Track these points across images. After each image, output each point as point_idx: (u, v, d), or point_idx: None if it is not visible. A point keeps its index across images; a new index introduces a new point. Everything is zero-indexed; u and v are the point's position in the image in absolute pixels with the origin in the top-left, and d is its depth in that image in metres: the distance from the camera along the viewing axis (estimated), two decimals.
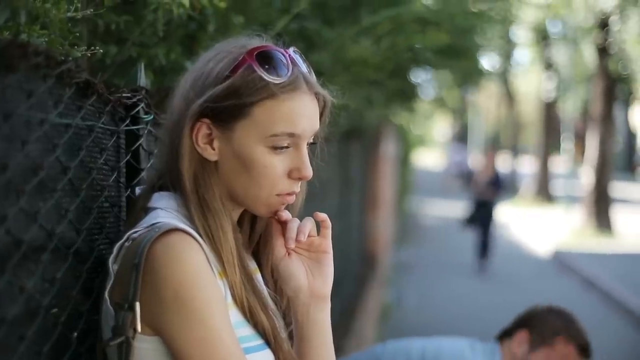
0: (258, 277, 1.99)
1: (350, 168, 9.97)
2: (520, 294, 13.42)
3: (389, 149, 15.89)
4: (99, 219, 1.98)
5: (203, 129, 1.83)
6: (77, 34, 2.11)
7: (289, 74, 1.83)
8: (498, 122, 46.16)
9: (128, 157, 2.14)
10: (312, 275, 1.96)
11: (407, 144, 26.21)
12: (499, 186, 16.95)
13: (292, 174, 1.86)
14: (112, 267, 1.79)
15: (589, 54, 24.03)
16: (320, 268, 1.97)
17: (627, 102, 41.58)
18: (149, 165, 2.20)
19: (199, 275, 1.73)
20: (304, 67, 1.89)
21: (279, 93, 1.80)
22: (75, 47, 2.04)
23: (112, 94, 2.05)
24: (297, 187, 1.90)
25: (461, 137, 48.25)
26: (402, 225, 22.29)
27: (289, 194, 1.89)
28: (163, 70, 2.90)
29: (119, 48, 2.73)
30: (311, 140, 1.91)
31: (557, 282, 15.26)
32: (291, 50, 1.89)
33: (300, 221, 1.95)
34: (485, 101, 50.71)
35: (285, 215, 1.94)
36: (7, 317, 1.45)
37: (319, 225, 1.99)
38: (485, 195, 16.70)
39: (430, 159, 66.60)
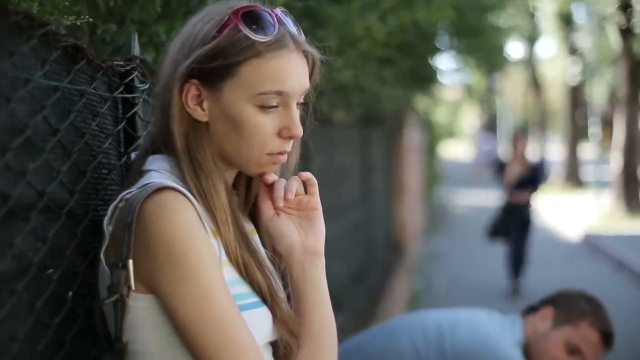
0: (255, 238, 2.00)
1: (373, 154, 9.98)
2: (551, 277, 13.36)
3: (413, 137, 15.85)
4: (95, 184, 2.00)
5: (192, 90, 1.84)
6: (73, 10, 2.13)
7: (275, 32, 1.83)
8: (526, 110, 45.99)
9: (123, 124, 2.17)
10: (304, 233, 1.98)
11: (433, 134, 26.15)
12: (538, 179, 12.83)
13: (283, 133, 1.87)
14: (107, 228, 1.80)
15: (613, 37, 23.85)
16: (311, 225, 1.99)
17: None
18: (145, 133, 2.22)
19: (191, 231, 1.74)
20: (291, 26, 1.89)
21: (265, 51, 1.81)
22: (65, 16, 2.06)
23: (105, 62, 2.08)
24: (288, 146, 1.91)
25: (490, 126, 48.07)
26: (432, 215, 22.24)
27: (281, 153, 1.90)
28: (165, 48, 2.91)
29: (119, 26, 2.75)
30: (302, 100, 1.92)
31: (587, 265, 15.19)
32: (278, 10, 1.90)
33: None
34: (513, 90, 50.52)
35: (272, 177, 1.96)
36: None
37: (306, 185, 2.01)
38: (522, 192, 12.50)
39: (459, 150, 66.39)
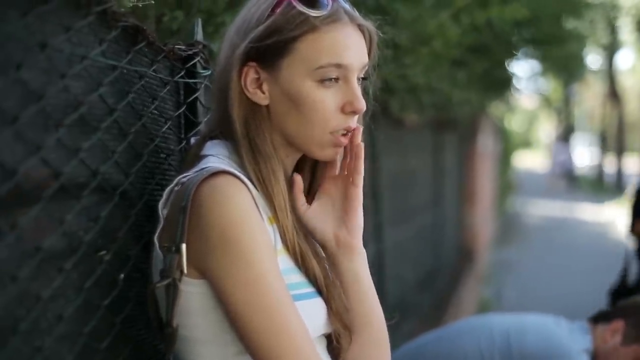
0: None
1: (444, 159, 9.90)
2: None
3: (487, 144, 15.71)
4: (152, 167, 1.99)
5: (251, 73, 1.83)
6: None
7: (329, 7, 1.81)
8: (603, 122, 45.42)
9: (183, 108, 2.15)
10: (339, 226, 1.93)
11: (508, 142, 25.91)
12: None
13: (345, 108, 1.83)
14: (162, 211, 1.78)
15: None
16: (348, 218, 1.93)
17: None
18: (206, 119, 2.20)
19: (245, 216, 1.71)
20: (344, 2, 1.87)
21: (320, 25, 1.79)
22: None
23: (167, 45, 2.07)
24: (353, 122, 1.86)
25: (566, 137, 47.51)
26: (504, 224, 22.03)
27: (344, 135, 1.86)
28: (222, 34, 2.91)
29: (186, 15, 2.74)
30: (362, 75, 1.88)
31: None
32: None
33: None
34: (591, 100, 49.94)
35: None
36: (42, 246, 1.45)
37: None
38: None
39: (535, 160, 65.76)
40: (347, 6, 1.86)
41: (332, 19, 1.80)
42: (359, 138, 1.90)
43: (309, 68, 1.80)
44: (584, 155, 48.86)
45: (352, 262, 1.92)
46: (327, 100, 1.82)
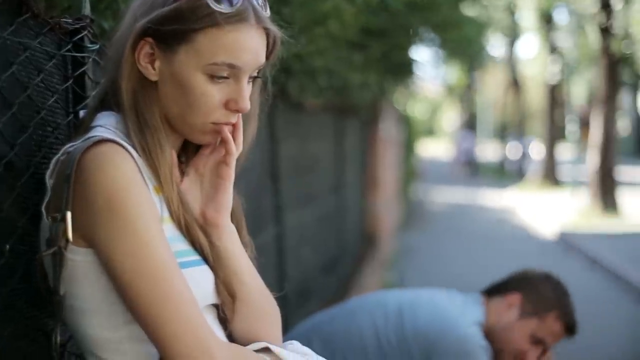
0: None
1: (346, 145, 9.94)
2: None
3: (390, 131, 15.81)
4: (38, 140, 1.98)
5: (146, 47, 1.83)
6: None
7: (238, 4, 1.81)
8: (505, 110, 46.08)
9: (70, 81, 2.14)
10: (206, 203, 1.94)
11: (411, 130, 26.13)
12: None
13: (229, 105, 1.86)
14: (49, 181, 1.79)
15: (593, 36, 23.92)
16: (216, 195, 1.94)
17: (635, 87, 41.66)
18: (95, 92, 2.20)
19: (129, 183, 1.72)
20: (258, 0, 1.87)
21: (223, 23, 1.79)
22: None
23: (53, 18, 2.06)
24: (234, 118, 1.89)
25: (469, 125, 48.09)
26: (408, 211, 22.25)
27: (226, 124, 1.88)
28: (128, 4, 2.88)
29: None
30: (255, 74, 1.90)
31: (562, 262, 15.16)
32: None
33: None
34: (493, 88, 50.65)
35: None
36: None
37: None
38: None
39: (439, 148, 66.47)
40: (258, 4, 1.85)
41: (238, 18, 1.80)
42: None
43: (203, 62, 1.81)
44: (486, 143, 49.58)
45: (220, 240, 1.91)
46: (213, 94, 1.83)
